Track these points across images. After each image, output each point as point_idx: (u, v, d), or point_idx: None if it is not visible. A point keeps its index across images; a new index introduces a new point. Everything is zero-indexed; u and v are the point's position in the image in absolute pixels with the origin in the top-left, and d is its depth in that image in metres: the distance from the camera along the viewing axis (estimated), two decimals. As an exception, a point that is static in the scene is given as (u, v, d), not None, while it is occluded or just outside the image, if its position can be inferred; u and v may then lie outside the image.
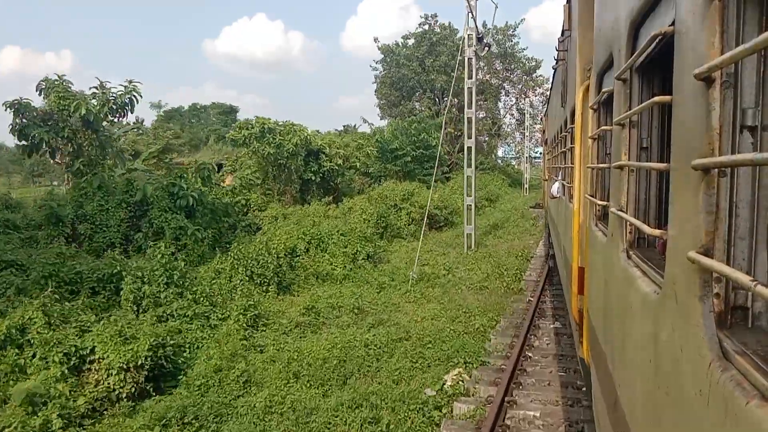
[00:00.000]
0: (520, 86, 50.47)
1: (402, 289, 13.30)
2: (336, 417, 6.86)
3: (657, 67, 2.38)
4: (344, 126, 49.15)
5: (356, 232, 17.11)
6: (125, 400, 7.62)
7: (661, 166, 1.92)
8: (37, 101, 18.34)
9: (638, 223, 2.24)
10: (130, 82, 18.98)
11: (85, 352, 8.03)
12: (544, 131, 22.48)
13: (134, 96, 18.84)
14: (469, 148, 19.80)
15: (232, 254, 12.99)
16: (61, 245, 14.13)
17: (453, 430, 6.55)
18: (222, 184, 28.24)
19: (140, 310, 10.16)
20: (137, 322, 9.12)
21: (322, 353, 8.58)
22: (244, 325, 9.97)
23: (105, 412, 7.57)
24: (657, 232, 1.93)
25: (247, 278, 12.55)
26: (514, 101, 55.15)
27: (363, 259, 15.94)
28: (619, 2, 2.62)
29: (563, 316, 10.22)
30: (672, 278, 1.60)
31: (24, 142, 18.36)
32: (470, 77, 19.63)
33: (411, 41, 50.43)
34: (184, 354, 8.89)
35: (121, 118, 22.21)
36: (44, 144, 18.53)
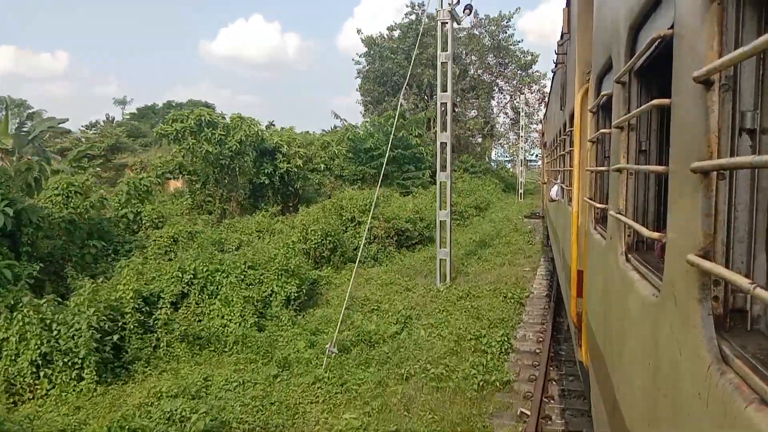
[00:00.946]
0: (514, 82, 43.44)
1: (313, 374, 8.50)
2: None
3: (656, 70, 2.38)
4: (333, 126, 46.99)
5: (276, 262, 12.38)
6: None
7: (660, 168, 1.91)
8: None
9: (637, 225, 2.24)
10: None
11: None
12: (543, 134, 22.37)
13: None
14: (444, 144, 15.24)
15: (21, 314, 8.37)
16: None
17: None
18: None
19: None
20: None
21: None
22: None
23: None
24: (656, 234, 1.92)
25: (39, 358, 7.94)
26: (508, 99, 47.95)
27: (280, 305, 11.62)
28: (619, 5, 2.65)
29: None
30: (671, 281, 1.60)
31: None
32: (444, 48, 14.44)
33: (397, 33, 46.46)
34: None
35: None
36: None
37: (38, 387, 7.51)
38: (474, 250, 18.58)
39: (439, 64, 13.87)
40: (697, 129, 1.36)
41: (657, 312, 1.76)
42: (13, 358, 7.58)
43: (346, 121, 31.26)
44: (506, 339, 8.89)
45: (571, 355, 8.47)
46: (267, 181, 25.06)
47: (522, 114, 45.75)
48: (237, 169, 22.24)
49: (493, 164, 58.43)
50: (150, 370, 8.28)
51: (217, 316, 9.73)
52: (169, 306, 9.38)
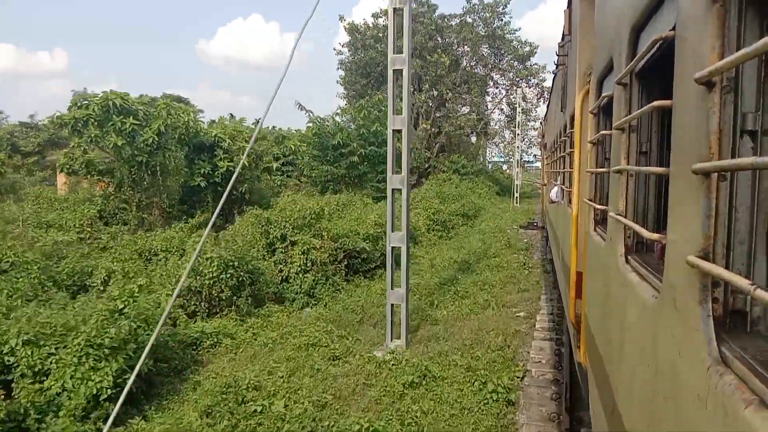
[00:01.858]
0: (511, 74, 37.59)
1: None
2: None
3: (657, 72, 2.46)
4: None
5: (84, 332, 7.53)
6: None
7: (661, 170, 1.94)
8: None
9: (637, 227, 2.29)
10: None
11: None
12: (543, 136, 21.31)
13: None
14: (398, 133, 10.35)
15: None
16: None
17: None
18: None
19: None
20: None
21: None
22: None
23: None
24: (656, 236, 1.94)
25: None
26: (503, 94, 49.21)
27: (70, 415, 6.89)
28: (620, 7, 2.71)
29: None
30: (671, 282, 1.65)
31: None
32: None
33: (383, 20, 40.49)
34: None
35: None
36: None
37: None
38: (451, 277, 14.86)
39: (394, 14, 10.38)
40: (699, 130, 1.41)
41: (656, 313, 1.79)
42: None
43: (311, 113, 25.62)
44: None
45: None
46: (204, 184, 19.37)
47: (519, 110, 42.38)
48: (159, 169, 16.56)
49: (488, 165, 55.62)
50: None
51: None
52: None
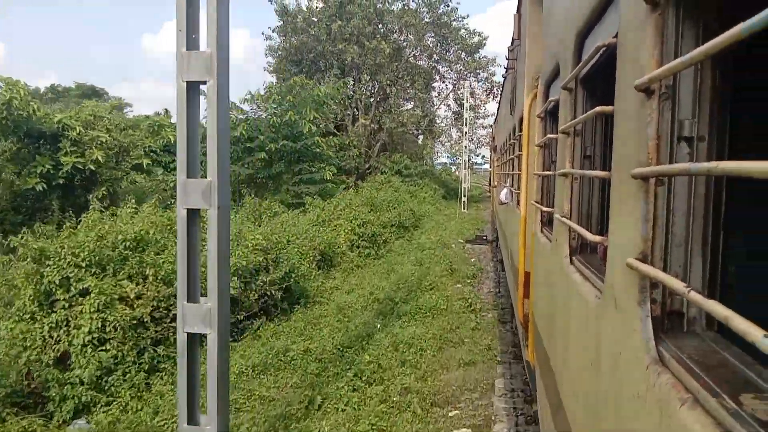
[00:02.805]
0: (458, 67, 32.10)
1: None
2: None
3: (601, 78, 2.58)
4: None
5: None
6: None
7: (603, 174, 2.04)
8: None
9: (580, 229, 2.36)
10: None
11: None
12: (493, 138, 21.05)
13: None
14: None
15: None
16: None
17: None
18: None
19: None
20: None
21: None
22: None
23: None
24: (598, 238, 2.04)
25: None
26: (450, 88, 48.52)
27: None
28: (566, 14, 2.86)
29: None
30: (612, 284, 1.76)
31: None
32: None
33: (319, 3, 36.57)
34: None
35: None
36: None
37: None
38: (361, 335, 9.48)
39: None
40: (638, 136, 1.51)
41: (599, 314, 1.90)
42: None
43: None
44: None
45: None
46: (42, 187, 12.98)
47: (466, 106, 38.55)
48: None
49: (437, 166, 51.81)
50: None
51: None
52: None
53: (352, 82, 40.34)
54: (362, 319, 10.87)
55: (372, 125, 40.91)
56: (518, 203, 6.20)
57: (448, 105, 44.72)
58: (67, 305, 7.92)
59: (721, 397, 1.03)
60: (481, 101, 42.51)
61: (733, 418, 0.96)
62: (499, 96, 18.86)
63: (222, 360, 4.87)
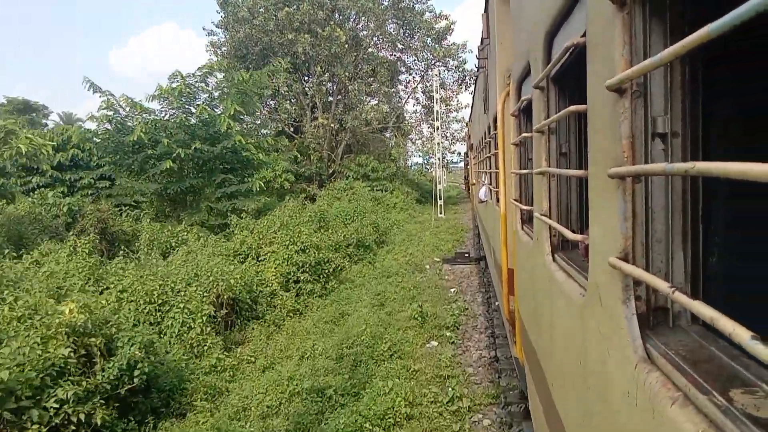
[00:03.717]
0: (425, 54, 26.00)
1: None
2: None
3: (572, 76, 2.55)
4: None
5: None
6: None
7: (580, 173, 2.02)
8: None
9: (561, 228, 2.34)
10: None
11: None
12: (469, 136, 20.55)
13: None
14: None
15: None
16: None
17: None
18: None
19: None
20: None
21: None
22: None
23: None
24: (579, 237, 2.00)
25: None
26: (418, 80, 31.17)
27: None
28: (535, 12, 2.81)
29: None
30: (595, 282, 1.72)
31: None
32: None
33: None
34: None
35: None
36: None
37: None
38: None
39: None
40: (612, 134, 1.49)
41: (585, 311, 1.86)
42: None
43: (108, 94, 13.95)
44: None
45: None
46: None
47: (436, 97, 33.32)
48: None
49: (412, 167, 47.08)
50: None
51: None
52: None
53: (306, 78, 35.25)
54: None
55: (332, 125, 35.82)
56: (497, 201, 6.07)
57: (417, 99, 40.59)
58: None
59: (711, 394, 1.02)
60: (452, 92, 38.10)
61: (724, 414, 0.95)
62: (473, 88, 17.80)
63: None
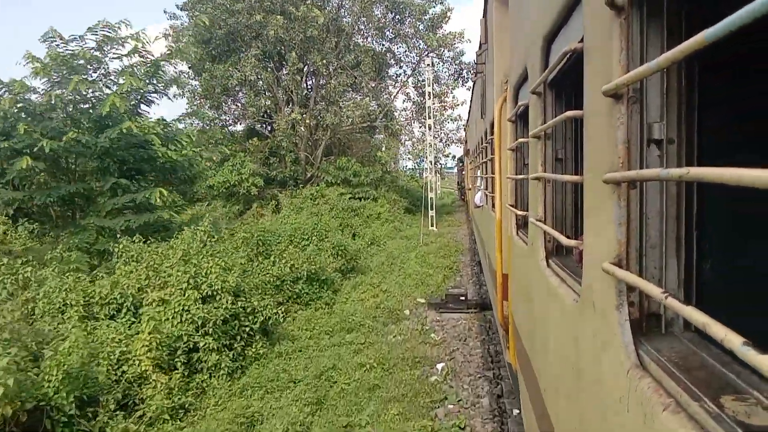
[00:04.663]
0: (416, 42, 20.54)
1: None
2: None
3: (569, 82, 2.61)
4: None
5: None
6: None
7: (575, 178, 2.02)
8: None
9: (555, 233, 2.32)
10: None
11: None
12: (466, 141, 21.21)
13: None
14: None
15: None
16: None
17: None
18: None
19: None
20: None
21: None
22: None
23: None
24: (573, 242, 2.00)
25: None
26: (409, 73, 34.31)
27: None
28: (533, 18, 2.82)
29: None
30: (589, 287, 1.72)
31: None
32: None
33: None
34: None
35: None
36: None
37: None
38: None
39: None
40: (608, 140, 1.49)
41: (578, 317, 1.85)
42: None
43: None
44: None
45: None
46: None
47: (428, 92, 27.95)
48: None
49: (406, 171, 42.21)
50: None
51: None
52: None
53: (280, 66, 30.28)
54: None
55: (309, 121, 30.91)
56: (493, 206, 6.25)
57: (407, 94, 34.62)
58: None
59: (702, 401, 1.02)
60: (447, 87, 32.65)
61: (715, 421, 0.95)
62: (470, 84, 19.79)
63: None
